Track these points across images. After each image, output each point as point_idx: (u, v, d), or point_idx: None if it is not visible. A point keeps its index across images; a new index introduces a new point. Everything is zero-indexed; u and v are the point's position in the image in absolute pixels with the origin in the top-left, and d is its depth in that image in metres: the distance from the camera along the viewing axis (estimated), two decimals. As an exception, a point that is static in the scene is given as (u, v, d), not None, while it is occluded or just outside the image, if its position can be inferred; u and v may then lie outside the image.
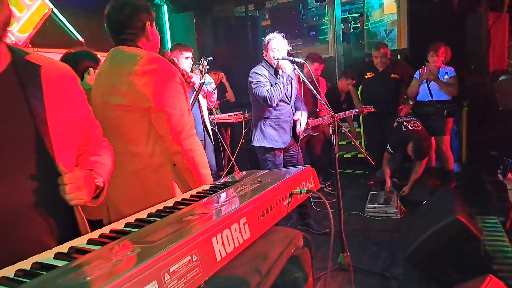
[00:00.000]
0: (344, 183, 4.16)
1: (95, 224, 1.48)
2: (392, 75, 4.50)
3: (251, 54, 6.78)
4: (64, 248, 0.94)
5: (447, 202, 2.80)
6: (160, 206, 1.23)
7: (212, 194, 1.29)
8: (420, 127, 4.08)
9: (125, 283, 0.66)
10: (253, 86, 3.07)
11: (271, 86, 3.02)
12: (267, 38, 3.13)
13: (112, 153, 1.36)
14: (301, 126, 3.24)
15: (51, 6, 4.19)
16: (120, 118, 1.59)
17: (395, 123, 4.27)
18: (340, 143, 5.52)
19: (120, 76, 1.54)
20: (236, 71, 5.82)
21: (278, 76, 3.07)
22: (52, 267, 0.82)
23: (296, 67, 3.02)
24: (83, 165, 1.17)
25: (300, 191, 1.31)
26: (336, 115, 3.71)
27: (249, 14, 7.22)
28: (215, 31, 6.88)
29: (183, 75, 1.81)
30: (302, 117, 3.26)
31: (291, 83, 3.17)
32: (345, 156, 5.91)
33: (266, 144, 3.19)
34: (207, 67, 3.36)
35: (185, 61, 3.39)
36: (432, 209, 2.99)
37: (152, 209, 1.20)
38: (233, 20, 7.08)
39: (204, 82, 3.30)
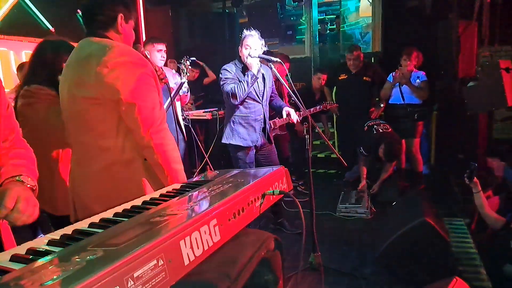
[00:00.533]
0: (317, 183, 4.20)
1: (61, 220, 1.40)
2: (364, 78, 4.56)
3: (228, 50, 6.72)
4: (22, 249, 0.88)
5: (416, 204, 2.87)
6: (128, 206, 1.18)
7: (182, 193, 1.26)
8: (390, 129, 4.17)
9: (84, 290, 0.62)
10: (221, 83, 3.07)
11: (237, 83, 3.00)
12: (244, 33, 3.10)
13: (33, 154, 1.29)
14: (292, 116, 3.22)
15: (19, -8, 4.00)
16: (88, 111, 1.52)
17: (366, 127, 4.35)
18: (313, 142, 5.56)
19: (88, 67, 1.47)
20: (212, 68, 5.75)
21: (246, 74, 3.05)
22: (7, 270, 0.77)
23: (272, 66, 3.02)
24: (9, 170, 1.11)
25: (273, 192, 1.29)
26: (300, 112, 3.71)
27: (227, 11, 7.16)
28: (191, 26, 6.77)
29: (156, 71, 1.75)
30: (291, 110, 3.24)
31: (264, 82, 3.15)
32: (318, 155, 5.97)
33: (234, 142, 3.16)
34: (189, 67, 3.30)
35: (157, 54, 3.31)
36: (401, 210, 3.06)
37: (119, 209, 1.15)
38: (210, 16, 6.99)
39: (184, 82, 3.24)
